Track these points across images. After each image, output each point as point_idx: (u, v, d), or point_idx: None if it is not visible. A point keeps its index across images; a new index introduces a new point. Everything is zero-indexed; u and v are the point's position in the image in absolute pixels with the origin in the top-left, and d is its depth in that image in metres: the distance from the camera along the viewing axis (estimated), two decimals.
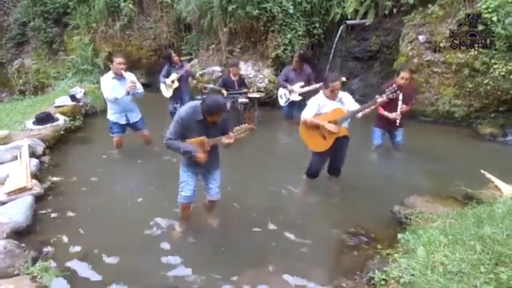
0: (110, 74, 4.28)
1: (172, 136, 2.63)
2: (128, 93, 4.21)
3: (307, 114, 3.44)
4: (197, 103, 2.66)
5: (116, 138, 4.56)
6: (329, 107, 3.41)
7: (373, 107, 3.46)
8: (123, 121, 4.47)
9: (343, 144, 3.54)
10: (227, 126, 2.73)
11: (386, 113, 4.20)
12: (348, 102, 3.48)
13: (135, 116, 4.53)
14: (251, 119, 6.16)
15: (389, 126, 4.38)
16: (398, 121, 4.11)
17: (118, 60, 4.22)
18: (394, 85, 3.46)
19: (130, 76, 4.37)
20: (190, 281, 2.53)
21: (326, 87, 3.37)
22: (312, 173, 3.74)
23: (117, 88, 4.23)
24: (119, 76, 4.24)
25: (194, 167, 2.83)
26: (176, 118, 2.64)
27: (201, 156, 2.64)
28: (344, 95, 3.50)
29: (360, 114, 3.43)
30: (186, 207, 3.01)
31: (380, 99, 3.41)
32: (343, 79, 5.38)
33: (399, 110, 4.07)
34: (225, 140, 2.62)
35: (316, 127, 3.45)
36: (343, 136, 3.47)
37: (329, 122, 3.36)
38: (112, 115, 4.44)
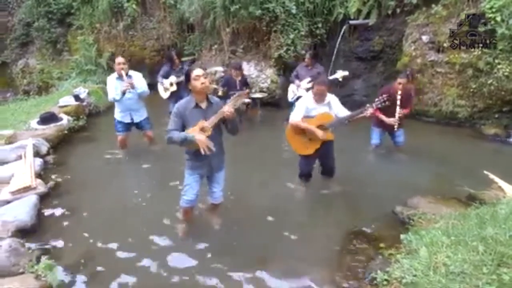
0: (114, 75, 4.36)
1: (171, 127, 2.62)
2: (123, 94, 4.23)
3: (295, 117, 3.43)
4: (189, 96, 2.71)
5: (120, 136, 4.62)
6: (317, 110, 3.40)
7: (361, 115, 3.33)
8: (127, 120, 4.52)
9: (329, 146, 3.55)
10: (222, 106, 2.67)
11: (384, 118, 4.17)
12: (336, 107, 3.46)
13: (139, 116, 4.58)
14: (253, 118, 6.19)
15: (388, 127, 4.37)
16: (396, 126, 4.11)
17: (117, 60, 4.29)
18: (384, 95, 3.36)
19: (136, 76, 4.43)
20: (191, 280, 2.54)
21: (312, 88, 3.42)
22: (304, 174, 3.75)
23: (120, 86, 4.28)
24: (121, 77, 4.28)
25: (199, 169, 2.83)
26: (172, 111, 2.68)
27: (202, 138, 2.53)
28: (332, 99, 3.47)
29: (346, 122, 3.40)
30: (188, 211, 3.02)
31: (370, 109, 3.27)
32: (346, 73, 5.39)
33: (397, 115, 4.05)
34: (223, 110, 2.55)
35: (303, 131, 3.44)
36: (329, 140, 3.48)
37: (317, 126, 3.36)
38: (117, 114, 4.52)
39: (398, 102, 4.01)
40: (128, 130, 4.65)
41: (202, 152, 2.54)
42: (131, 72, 4.40)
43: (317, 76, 5.68)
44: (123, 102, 4.35)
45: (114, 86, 4.30)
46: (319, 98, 3.38)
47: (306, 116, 3.41)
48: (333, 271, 2.59)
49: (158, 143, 4.86)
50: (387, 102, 3.35)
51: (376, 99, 3.36)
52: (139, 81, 4.42)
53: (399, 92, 4.00)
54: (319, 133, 3.31)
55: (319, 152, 3.53)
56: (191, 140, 2.55)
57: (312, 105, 3.41)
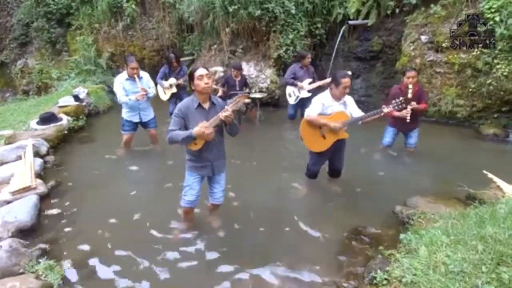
0: (124, 75, 4.36)
1: (173, 128, 2.62)
2: (137, 100, 4.29)
3: (311, 112, 3.41)
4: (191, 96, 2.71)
5: (126, 135, 4.63)
6: (333, 108, 3.40)
7: (376, 116, 3.34)
8: (136, 119, 4.55)
9: (341, 146, 3.55)
10: (224, 107, 2.66)
11: (396, 113, 3.93)
12: (351, 106, 3.47)
13: (147, 115, 4.62)
14: (253, 118, 6.19)
15: (405, 126, 4.32)
16: (408, 118, 3.95)
17: (131, 65, 4.28)
18: (401, 98, 3.38)
19: (145, 76, 4.47)
20: (191, 280, 2.55)
21: (338, 85, 3.29)
22: (311, 173, 3.75)
23: (129, 88, 4.32)
24: (134, 80, 4.31)
25: (200, 170, 2.83)
26: (175, 111, 2.67)
27: (199, 129, 2.50)
28: (348, 99, 3.48)
29: (360, 122, 3.40)
30: (189, 211, 3.02)
31: (386, 109, 3.32)
32: (349, 73, 5.39)
33: (409, 107, 3.96)
34: (222, 114, 2.54)
35: (318, 127, 3.45)
36: (342, 138, 3.49)
37: None
38: (126, 113, 4.53)
39: (410, 95, 3.99)
40: (135, 130, 4.67)
41: (211, 138, 2.55)
42: (141, 73, 4.42)
43: (314, 75, 5.69)
44: (132, 102, 4.36)
45: (123, 86, 4.31)
46: (344, 92, 3.31)
47: (321, 114, 3.40)
48: (333, 271, 2.60)
49: (159, 144, 4.87)
50: (403, 105, 3.37)
51: (393, 101, 3.35)
52: (148, 82, 4.49)
53: (410, 86, 4.01)
54: (333, 123, 3.29)
55: (331, 151, 3.52)
56: (190, 135, 2.54)
57: (328, 103, 3.40)
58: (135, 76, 4.27)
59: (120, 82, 4.32)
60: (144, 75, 4.48)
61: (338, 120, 3.35)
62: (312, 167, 3.71)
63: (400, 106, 3.36)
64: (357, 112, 3.45)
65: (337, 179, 3.85)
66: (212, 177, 2.95)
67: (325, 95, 3.44)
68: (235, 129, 2.77)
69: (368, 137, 4.78)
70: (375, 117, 3.35)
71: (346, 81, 3.27)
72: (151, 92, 4.47)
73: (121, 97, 4.32)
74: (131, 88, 4.31)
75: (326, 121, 3.35)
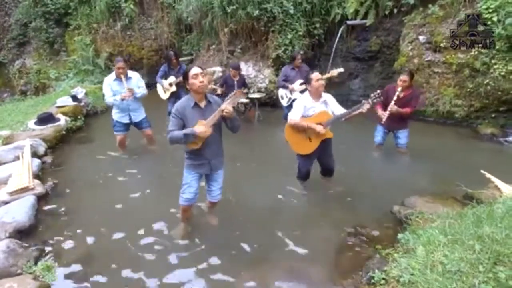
0: (112, 76, 4.32)
1: (172, 128, 2.62)
2: (122, 100, 4.23)
3: (294, 116, 3.43)
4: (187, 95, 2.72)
5: (119, 136, 4.59)
6: (314, 109, 3.41)
7: (358, 111, 3.33)
8: (125, 120, 4.50)
9: (327, 145, 3.57)
10: (221, 105, 2.66)
11: (378, 111, 4.23)
12: (332, 104, 3.49)
13: (138, 116, 4.56)
14: (251, 118, 6.20)
15: (391, 125, 4.38)
16: (383, 119, 4.16)
17: (117, 65, 4.24)
18: (378, 91, 3.39)
19: (135, 76, 4.42)
20: (191, 279, 2.55)
21: (309, 81, 3.36)
22: (303, 175, 3.76)
23: (117, 89, 4.28)
24: (121, 81, 4.28)
25: (198, 168, 2.84)
26: (172, 112, 2.68)
27: (201, 129, 2.53)
28: (328, 97, 3.49)
29: (343, 119, 3.41)
30: (187, 209, 3.03)
31: (367, 105, 3.30)
32: (341, 70, 5.38)
33: (388, 110, 4.12)
34: (221, 108, 2.54)
35: (302, 130, 3.45)
36: (327, 138, 3.50)
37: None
38: (115, 114, 4.48)
39: (395, 98, 4.07)
40: (127, 130, 4.63)
41: (207, 135, 2.55)
42: (129, 73, 4.38)
43: (307, 76, 5.65)
44: (121, 102, 4.32)
45: (110, 87, 4.28)
46: (318, 89, 3.34)
47: (303, 116, 3.42)
48: (331, 271, 2.60)
49: (157, 143, 4.86)
50: (381, 98, 3.40)
51: (372, 95, 3.37)
52: (138, 82, 4.42)
53: (399, 89, 4.07)
54: (319, 127, 3.32)
55: (317, 152, 3.54)
56: (191, 134, 2.54)
57: (310, 104, 3.42)
58: (122, 76, 4.23)
59: (108, 84, 4.28)
60: (134, 75, 4.42)
61: (321, 120, 3.37)
62: (302, 169, 3.73)
63: (377, 100, 3.35)
64: (339, 110, 3.46)
65: (336, 179, 3.86)
66: (209, 175, 2.95)
67: (306, 97, 3.46)
68: (237, 122, 2.75)
69: (365, 137, 4.79)
70: (356, 112, 3.33)
71: (314, 75, 3.34)
72: (140, 92, 4.39)
73: (107, 98, 4.29)
74: (119, 89, 4.26)
75: (311, 124, 3.35)
